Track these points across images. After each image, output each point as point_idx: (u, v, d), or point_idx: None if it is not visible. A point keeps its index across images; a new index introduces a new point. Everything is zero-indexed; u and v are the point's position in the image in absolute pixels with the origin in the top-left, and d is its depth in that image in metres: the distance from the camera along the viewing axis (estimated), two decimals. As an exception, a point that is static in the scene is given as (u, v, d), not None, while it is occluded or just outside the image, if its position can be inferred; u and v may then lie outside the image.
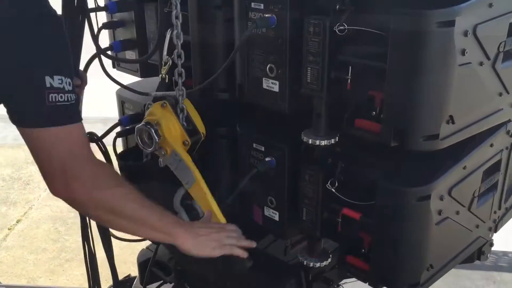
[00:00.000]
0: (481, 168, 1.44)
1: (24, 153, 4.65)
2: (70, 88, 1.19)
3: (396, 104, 1.21)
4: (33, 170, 4.32)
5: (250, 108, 1.56)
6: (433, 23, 1.10)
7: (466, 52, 1.18)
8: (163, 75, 1.60)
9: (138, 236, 1.48)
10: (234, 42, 1.51)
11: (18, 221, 3.75)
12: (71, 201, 1.28)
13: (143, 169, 1.63)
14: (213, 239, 1.40)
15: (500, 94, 1.40)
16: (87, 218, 1.81)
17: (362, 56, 1.29)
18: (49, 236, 3.56)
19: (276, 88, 1.43)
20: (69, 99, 1.18)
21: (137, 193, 1.35)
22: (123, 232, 1.41)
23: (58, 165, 1.21)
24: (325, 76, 1.31)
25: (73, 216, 3.75)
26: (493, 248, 1.70)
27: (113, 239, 1.91)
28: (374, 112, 1.28)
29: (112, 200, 1.29)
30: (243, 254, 1.42)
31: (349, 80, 1.29)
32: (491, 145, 1.46)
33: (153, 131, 1.46)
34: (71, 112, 1.21)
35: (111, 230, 1.90)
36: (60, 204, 3.90)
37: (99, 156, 1.74)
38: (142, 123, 1.49)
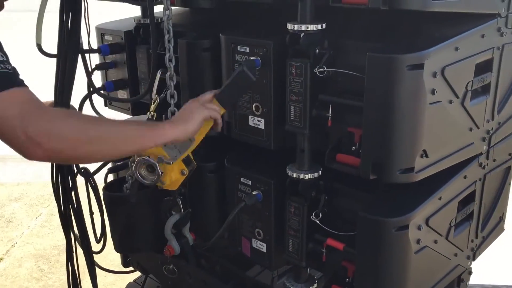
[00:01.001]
0: (456, 198, 1.52)
1: (6, 190, 4.60)
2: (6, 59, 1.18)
3: (373, 140, 1.29)
4: (16, 207, 4.27)
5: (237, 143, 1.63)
6: (404, 66, 1.20)
7: (436, 92, 1.28)
8: (152, 112, 1.68)
9: (125, 153, 1.37)
10: (222, 82, 1.60)
11: (0, 260, 3.69)
12: (52, 155, 1.21)
13: (125, 198, 1.67)
14: (195, 106, 1.43)
15: (471, 129, 1.50)
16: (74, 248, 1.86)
17: (341, 95, 1.38)
18: (31, 275, 3.49)
19: (261, 125, 1.51)
20: (8, 68, 1.16)
21: (104, 118, 1.37)
22: (110, 156, 1.33)
23: (16, 126, 1.14)
24: (307, 114, 1.39)
25: (56, 254, 3.70)
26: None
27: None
28: (354, 147, 1.37)
29: (83, 130, 1.22)
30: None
31: (329, 118, 1.39)
32: (465, 177, 1.54)
33: (153, 162, 1.51)
34: (13, 78, 1.18)
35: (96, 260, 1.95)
36: (44, 242, 3.87)
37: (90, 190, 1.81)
38: (142, 157, 1.53)
